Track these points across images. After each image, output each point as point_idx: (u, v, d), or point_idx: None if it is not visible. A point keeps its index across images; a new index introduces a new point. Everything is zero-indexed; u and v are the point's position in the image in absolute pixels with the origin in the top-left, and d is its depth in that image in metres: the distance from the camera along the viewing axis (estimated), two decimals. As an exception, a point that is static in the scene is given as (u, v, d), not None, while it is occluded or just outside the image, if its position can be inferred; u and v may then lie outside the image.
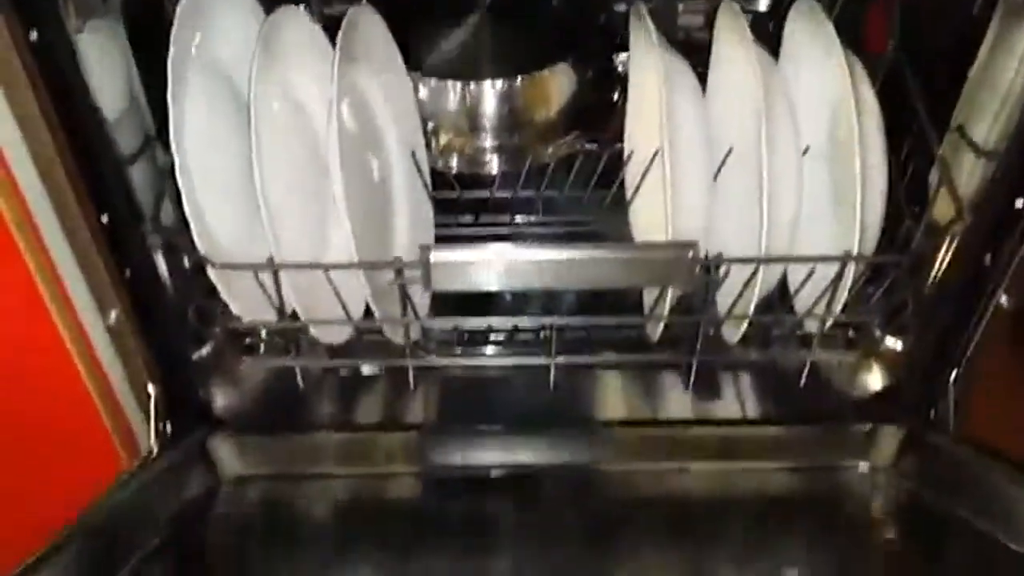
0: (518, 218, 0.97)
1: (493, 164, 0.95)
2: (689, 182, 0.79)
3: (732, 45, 0.80)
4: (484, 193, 0.95)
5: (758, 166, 0.74)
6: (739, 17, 0.78)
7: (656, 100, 0.76)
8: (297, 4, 0.81)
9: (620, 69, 0.97)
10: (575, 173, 0.93)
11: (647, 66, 0.81)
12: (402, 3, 0.90)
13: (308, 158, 0.82)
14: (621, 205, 0.92)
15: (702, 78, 0.85)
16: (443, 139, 0.95)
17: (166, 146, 0.72)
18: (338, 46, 0.77)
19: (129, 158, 0.75)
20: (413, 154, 0.90)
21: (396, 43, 0.87)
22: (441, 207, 0.94)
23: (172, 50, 0.70)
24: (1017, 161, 0.72)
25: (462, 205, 0.95)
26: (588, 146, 0.96)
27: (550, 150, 0.96)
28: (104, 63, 0.70)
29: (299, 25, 0.80)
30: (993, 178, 0.74)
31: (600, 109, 0.98)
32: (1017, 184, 0.72)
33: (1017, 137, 0.71)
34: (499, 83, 0.91)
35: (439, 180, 0.94)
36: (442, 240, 0.94)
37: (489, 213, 0.96)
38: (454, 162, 0.95)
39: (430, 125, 0.94)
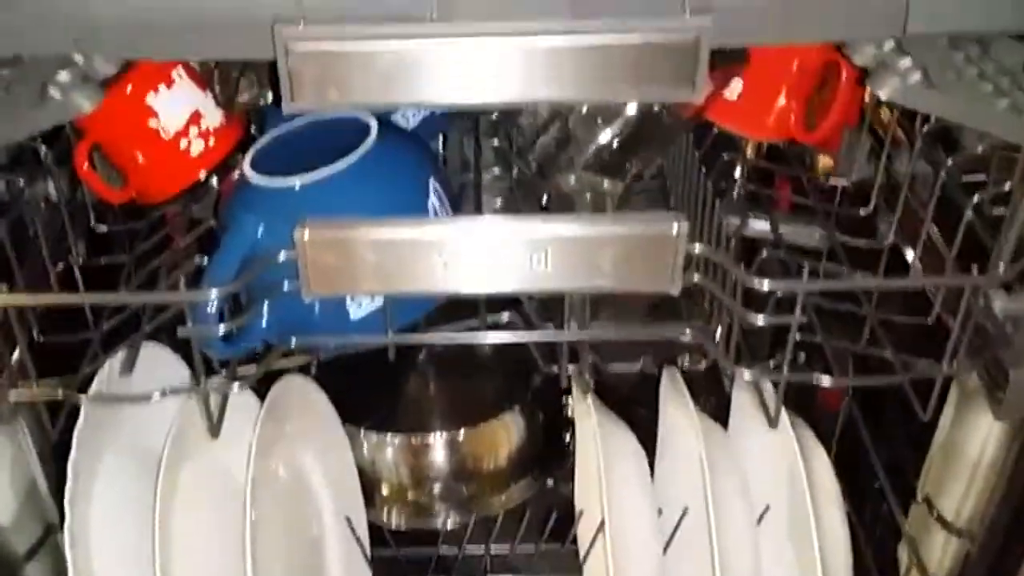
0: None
1: (439, 518, 0.89)
2: (635, 554, 0.73)
3: (675, 416, 0.76)
4: (429, 550, 0.88)
5: (709, 545, 0.68)
6: (680, 388, 0.74)
7: (595, 475, 0.71)
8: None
9: (570, 413, 0.92)
10: (525, 526, 0.87)
11: (586, 438, 0.76)
12: (340, 361, 0.88)
13: (228, 535, 0.76)
14: (575, 561, 0.85)
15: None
16: (385, 492, 0.89)
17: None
18: (259, 419, 0.73)
19: (26, 555, 0.69)
20: (348, 520, 0.84)
21: (335, 399, 0.83)
22: (381, 567, 0.87)
23: (74, 451, 0.66)
24: (996, 547, 0.66)
25: (405, 564, 0.89)
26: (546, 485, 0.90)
27: (502, 498, 0.90)
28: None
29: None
30: (967, 561, 0.68)
31: (552, 453, 0.93)
32: (996, 570, 0.66)
33: (993, 520, 0.65)
34: (444, 436, 0.87)
35: (380, 536, 0.88)
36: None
37: (435, 572, 0.89)
38: (396, 517, 0.89)
39: (371, 478, 0.88)
